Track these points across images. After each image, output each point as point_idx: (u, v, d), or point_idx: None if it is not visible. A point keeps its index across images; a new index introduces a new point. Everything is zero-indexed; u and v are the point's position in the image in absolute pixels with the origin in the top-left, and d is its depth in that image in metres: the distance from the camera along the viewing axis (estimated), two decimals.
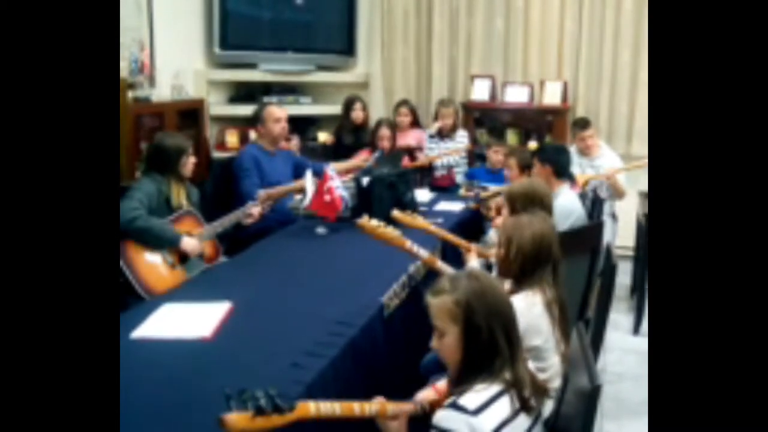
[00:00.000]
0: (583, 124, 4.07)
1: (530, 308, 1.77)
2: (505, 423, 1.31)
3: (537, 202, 2.38)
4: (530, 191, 2.42)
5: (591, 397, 1.28)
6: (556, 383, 1.77)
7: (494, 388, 1.33)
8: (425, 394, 1.57)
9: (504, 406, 1.32)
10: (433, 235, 2.57)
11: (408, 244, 2.19)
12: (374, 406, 1.39)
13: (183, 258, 2.66)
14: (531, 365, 1.70)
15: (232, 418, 1.11)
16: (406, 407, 1.46)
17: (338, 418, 1.31)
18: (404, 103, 4.57)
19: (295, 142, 4.11)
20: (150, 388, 1.56)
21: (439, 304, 1.39)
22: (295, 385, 1.56)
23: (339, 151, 4.31)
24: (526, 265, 1.83)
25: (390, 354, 2.13)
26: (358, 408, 1.35)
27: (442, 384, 1.59)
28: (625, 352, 3.30)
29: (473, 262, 2.33)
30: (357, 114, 4.40)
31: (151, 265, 2.54)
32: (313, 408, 1.25)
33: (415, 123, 4.55)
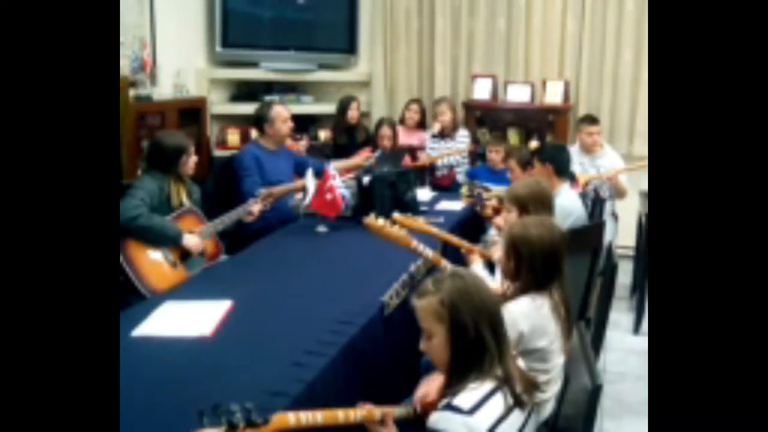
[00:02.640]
0: (591, 120, 4.10)
1: (537, 310, 1.76)
2: (500, 420, 1.31)
3: (546, 202, 2.37)
4: (538, 191, 2.41)
5: (592, 397, 1.28)
6: (559, 384, 1.76)
7: (486, 385, 1.34)
8: (421, 392, 1.57)
9: (498, 404, 1.33)
10: (435, 238, 2.56)
11: (414, 243, 2.19)
12: (360, 412, 1.38)
13: (184, 256, 2.66)
14: (535, 366, 1.70)
15: None
16: (396, 410, 1.46)
17: (321, 426, 1.29)
18: (416, 101, 4.63)
19: (303, 143, 4.12)
20: (150, 386, 1.56)
21: (424, 305, 1.39)
22: (296, 383, 1.56)
23: (334, 150, 4.33)
24: (538, 278, 1.81)
25: (390, 353, 2.13)
26: (342, 416, 1.33)
27: (433, 378, 1.58)
28: (626, 351, 3.30)
29: (477, 264, 2.33)
30: (353, 114, 4.41)
31: (152, 264, 2.54)
32: (292, 419, 1.22)
33: (422, 124, 4.58)
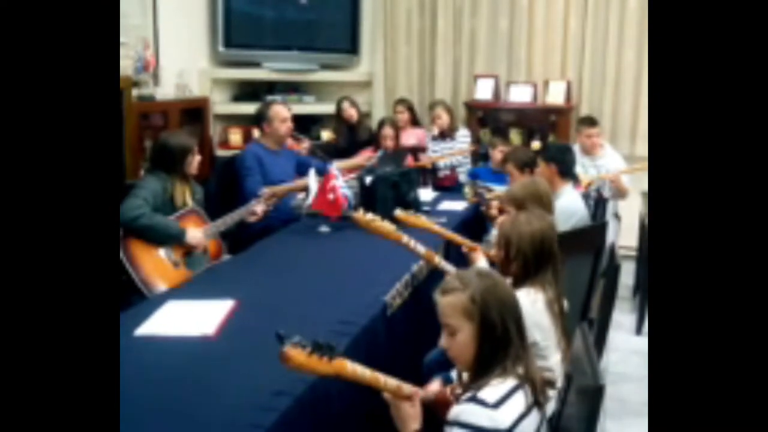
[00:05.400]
0: (590, 121, 4.09)
1: (531, 304, 1.77)
2: (521, 417, 1.31)
3: (544, 200, 2.39)
4: (534, 190, 2.42)
5: (594, 398, 1.28)
6: (557, 382, 1.77)
7: (510, 382, 1.34)
8: (432, 388, 1.57)
9: (520, 401, 1.33)
10: (437, 235, 2.57)
11: (405, 238, 2.18)
12: (394, 381, 1.39)
13: (187, 256, 2.67)
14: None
15: (292, 351, 1.14)
16: (419, 393, 1.46)
17: (366, 384, 1.34)
18: (401, 101, 4.62)
19: (305, 144, 4.13)
20: (153, 385, 1.57)
21: (452, 301, 1.38)
22: (299, 383, 1.56)
23: (336, 150, 4.35)
24: (528, 266, 1.83)
25: (393, 353, 2.13)
26: (382, 381, 1.36)
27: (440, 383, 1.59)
28: (628, 352, 3.30)
29: (481, 262, 2.33)
30: (348, 113, 4.43)
31: (155, 264, 2.54)
32: (349, 368, 1.27)
33: (414, 121, 4.58)
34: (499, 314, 1.35)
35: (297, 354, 1.15)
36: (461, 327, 1.37)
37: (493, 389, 1.32)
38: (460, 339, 1.37)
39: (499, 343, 1.36)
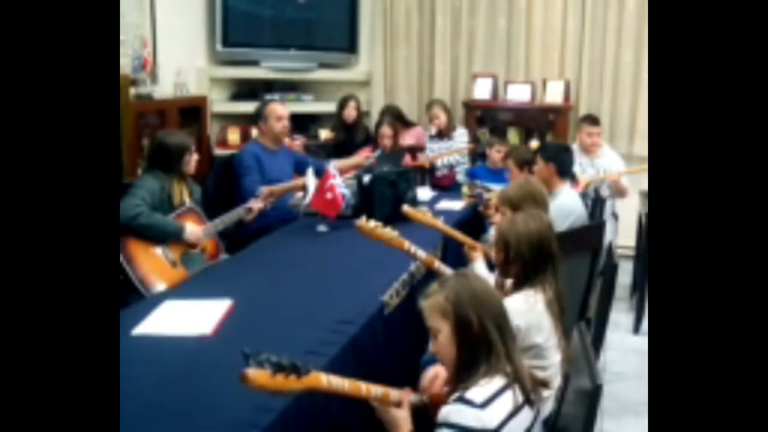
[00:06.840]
0: (593, 120, 4.10)
1: (531, 306, 1.78)
2: (510, 416, 1.32)
3: (539, 200, 2.39)
4: (529, 190, 2.43)
5: (592, 397, 1.28)
6: (556, 382, 1.77)
7: (497, 381, 1.34)
8: (429, 377, 1.57)
9: (508, 400, 1.33)
10: (440, 233, 2.58)
11: (406, 244, 2.19)
12: (379, 389, 1.39)
13: (184, 255, 2.66)
14: (532, 363, 1.71)
15: (253, 373, 1.10)
16: (408, 396, 1.47)
17: (346, 395, 1.32)
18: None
19: (299, 142, 4.12)
20: (150, 385, 1.56)
21: (430, 303, 1.41)
22: None
23: (334, 149, 4.34)
24: (527, 267, 1.83)
25: (390, 352, 2.13)
26: (365, 389, 1.35)
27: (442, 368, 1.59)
28: (626, 351, 3.30)
29: (479, 262, 2.34)
30: (349, 113, 4.42)
31: (153, 263, 2.54)
32: (324, 380, 1.25)
33: (404, 124, 4.52)
34: (475, 312, 1.37)
35: (259, 376, 1.10)
36: (440, 327, 1.39)
37: (480, 389, 1.32)
38: (441, 339, 1.39)
39: (478, 341, 1.36)
